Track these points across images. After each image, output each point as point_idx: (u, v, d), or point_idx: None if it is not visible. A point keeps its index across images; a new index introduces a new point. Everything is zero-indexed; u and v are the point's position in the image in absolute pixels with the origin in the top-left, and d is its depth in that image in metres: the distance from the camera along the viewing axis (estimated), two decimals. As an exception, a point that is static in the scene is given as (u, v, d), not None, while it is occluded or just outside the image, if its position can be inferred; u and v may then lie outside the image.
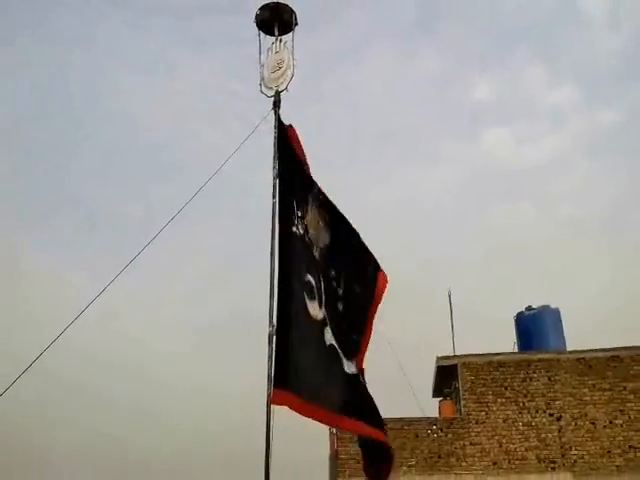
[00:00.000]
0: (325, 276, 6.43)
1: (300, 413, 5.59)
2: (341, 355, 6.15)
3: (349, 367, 6.20)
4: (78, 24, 44.89)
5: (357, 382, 6.24)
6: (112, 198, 44.20)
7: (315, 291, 6.16)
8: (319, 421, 5.86)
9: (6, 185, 39.26)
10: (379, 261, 7.02)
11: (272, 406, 5.70)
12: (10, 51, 41.15)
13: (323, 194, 6.72)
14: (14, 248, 37.74)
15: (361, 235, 6.90)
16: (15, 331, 30.73)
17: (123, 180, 44.90)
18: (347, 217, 6.82)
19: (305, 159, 6.90)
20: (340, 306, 6.56)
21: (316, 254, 6.45)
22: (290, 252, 6.06)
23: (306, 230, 6.38)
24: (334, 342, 6.13)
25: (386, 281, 6.99)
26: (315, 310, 6.08)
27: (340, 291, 6.64)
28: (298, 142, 6.85)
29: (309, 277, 6.17)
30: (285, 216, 6.19)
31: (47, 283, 38.32)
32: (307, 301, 6.04)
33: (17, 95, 42.47)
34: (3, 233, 37.89)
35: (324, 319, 6.13)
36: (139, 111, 44.42)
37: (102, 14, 44.62)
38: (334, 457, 16.08)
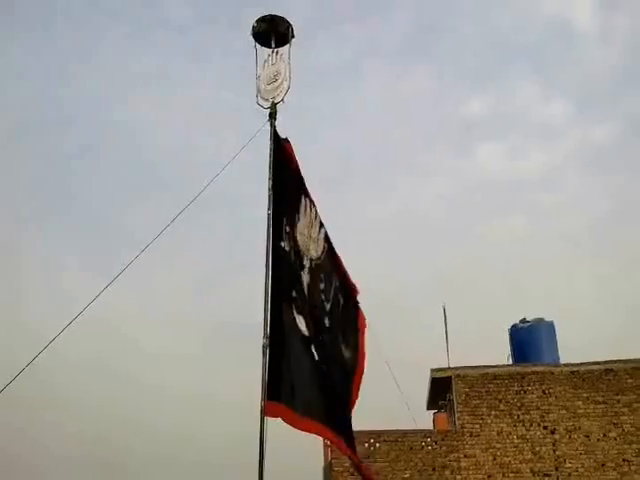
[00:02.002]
0: (310, 292, 6.42)
1: (294, 426, 5.61)
2: (325, 372, 6.15)
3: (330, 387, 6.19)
4: (79, 37, 45.19)
5: (338, 400, 6.21)
6: (110, 206, 44.34)
7: (301, 307, 6.19)
8: (313, 433, 5.86)
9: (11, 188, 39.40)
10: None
11: (266, 417, 5.71)
12: (12, 62, 41.36)
13: (315, 210, 6.72)
14: (15, 246, 37.80)
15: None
16: (12, 331, 30.73)
17: (121, 189, 45.03)
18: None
19: (299, 172, 6.90)
20: (327, 321, 6.56)
21: (306, 265, 6.46)
22: (279, 266, 6.11)
23: (293, 246, 6.39)
24: (319, 359, 6.14)
25: (365, 321, 6.91)
26: (302, 325, 6.11)
27: (328, 305, 6.64)
28: (293, 155, 6.85)
29: (294, 293, 6.20)
30: (275, 230, 6.23)
31: (46, 282, 38.37)
32: (295, 315, 6.08)
33: (17, 104, 42.66)
34: (7, 231, 37.98)
35: (310, 335, 6.15)
36: (138, 123, 44.57)
37: (102, 28, 44.91)
38: (328, 469, 16.02)
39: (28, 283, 36.79)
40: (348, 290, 6.86)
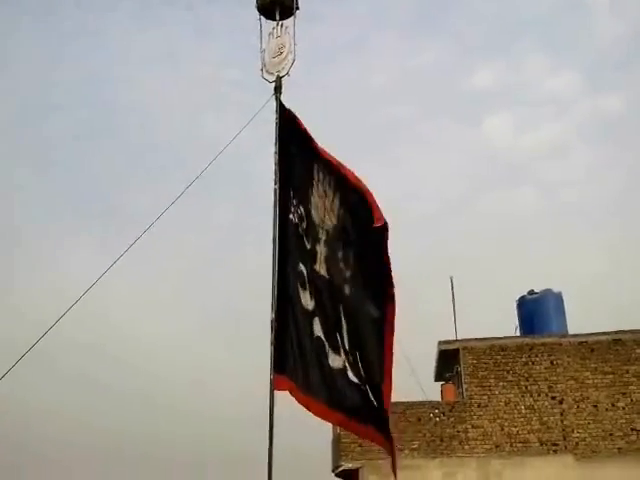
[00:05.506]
0: (328, 264, 6.35)
1: (296, 400, 5.64)
2: (327, 347, 6.09)
3: (334, 361, 6.11)
4: (83, 15, 44.88)
5: (343, 377, 6.13)
6: (114, 184, 44.35)
7: (306, 281, 6.15)
8: (309, 410, 5.79)
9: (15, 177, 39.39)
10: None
11: (274, 392, 5.73)
12: (16, 43, 41.12)
13: (338, 172, 6.34)
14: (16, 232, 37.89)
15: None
16: (14, 315, 30.92)
17: (127, 168, 45.04)
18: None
19: (311, 140, 6.62)
20: (347, 290, 6.50)
21: (322, 238, 6.39)
22: (286, 241, 6.08)
23: (302, 217, 6.31)
24: (321, 334, 6.08)
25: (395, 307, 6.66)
26: (306, 300, 6.09)
27: (348, 273, 6.55)
28: (302, 124, 6.67)
29: (301, 267, 6.16)
30: (283, 203, 6.18)
31: (48, 268, 38.50)
32: (300, 291, 6.06)
33: (23, 87, 42.53)
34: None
35: (314, 310, 6.12)
36: (144, 101, 44.41)
37: (107, 5, 44.56)
38: (337, 441, 16.16)
39: (28, 280, 36.90)
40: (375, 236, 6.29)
